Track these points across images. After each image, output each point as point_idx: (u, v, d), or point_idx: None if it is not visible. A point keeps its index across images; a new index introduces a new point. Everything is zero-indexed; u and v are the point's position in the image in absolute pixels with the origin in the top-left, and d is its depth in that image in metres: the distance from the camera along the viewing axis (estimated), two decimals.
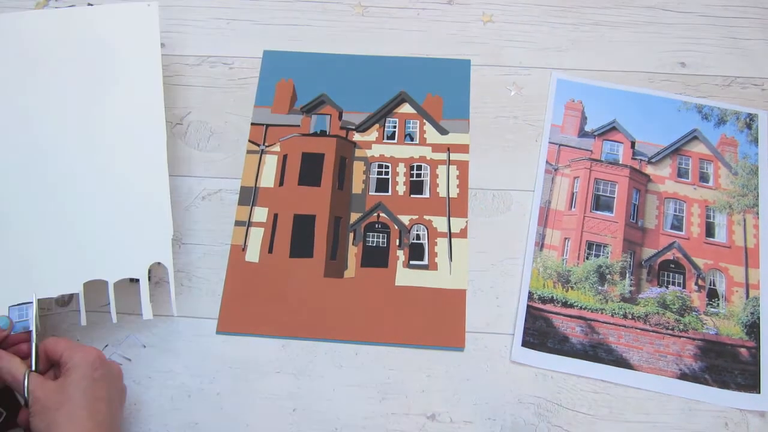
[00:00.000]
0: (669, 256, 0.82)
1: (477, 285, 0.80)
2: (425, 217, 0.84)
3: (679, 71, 0.93)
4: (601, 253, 0.82)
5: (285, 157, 0.88)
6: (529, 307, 0.79)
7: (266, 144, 0.88)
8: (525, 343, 0.77)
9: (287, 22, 0.97)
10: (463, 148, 0.88)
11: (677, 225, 0.84)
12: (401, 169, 0.87)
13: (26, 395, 0.64)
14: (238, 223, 0.84)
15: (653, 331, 0.78)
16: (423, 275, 0.81)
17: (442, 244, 0.82)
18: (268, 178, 0.86)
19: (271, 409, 0.74)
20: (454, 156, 0.88)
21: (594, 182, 0.86)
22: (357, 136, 0.89)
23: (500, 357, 0.76)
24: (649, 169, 0.87)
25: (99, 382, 0.65)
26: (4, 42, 0.82)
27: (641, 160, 0.87)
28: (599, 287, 0.80)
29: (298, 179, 0.86)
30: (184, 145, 0.88)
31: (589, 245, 0.82)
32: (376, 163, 0.87)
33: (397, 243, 0.83)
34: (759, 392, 0.75)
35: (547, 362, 0.76)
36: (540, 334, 0.77)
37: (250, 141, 0.89)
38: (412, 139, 0.89)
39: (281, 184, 0.86)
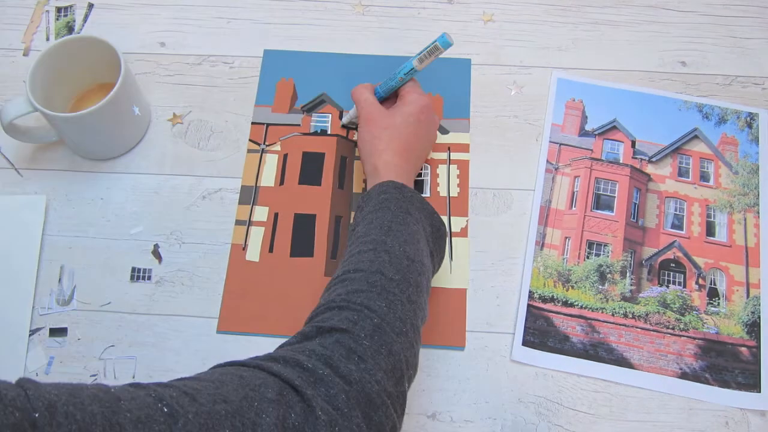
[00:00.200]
0: (669, 255, 0.82)
1: (477, 284, 0.80)
2: None
3: (679, 70, 0.93)
4: (602, 253, 0.82)
5: (285, 156, 0.88)
6: (529, 306, 0.79)
7: (267, 143, 0.88)
8: (525, 343, 0.77)
9: (288, 21, 0.97)
10: (464, 148, 0.88)
11: (678, 224, 0.84)
12: None
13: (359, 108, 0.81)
14: (238, 223, 0.84)
15: (654, 331, 0.78)
16: None
17: None
18: (268, 178, 0.86)
19: None
20: (454, 155, 0.87)
21: (594, 181, 0.86)
22: (357, 136, 0.89)
23: (501, 356, 0.76)
24: (649, 168, 0.87)
25: (423, 123, 0.79)
26: None
27: (642, 159, 0.87)
28: (600, 286, 0.80)
29: (299, 178, 0.86)
30: (185, 144, 0.88)
31: (590, 244, 0.82)
32: None
33: None
34: (760, 391, 0.75)
35: (548, 361, 0.76)
36: (540, 333, 0.77)
37: (250, 140, 0.89)
38: None
39: (282, 183, 0.86)
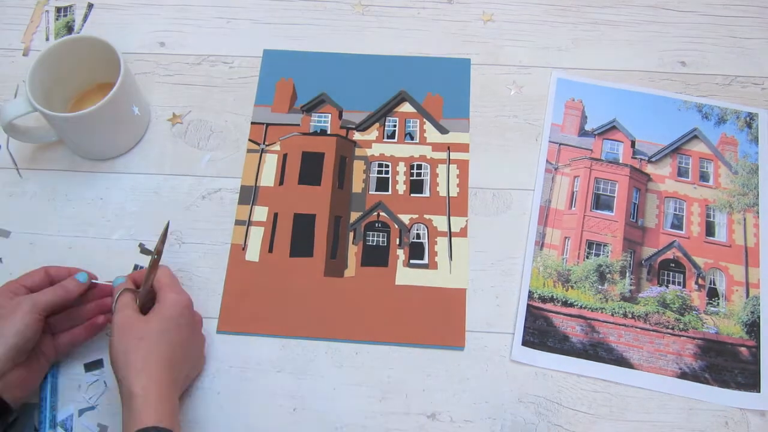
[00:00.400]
0: (669, 255, 0.82)
1: (477, 284, 0.80)
2: (425, 216, 0.84)
3: (679, 70, 0.93)
4: (601, 252, 0.82)
5: (285, 156, 0.88)
6: (529, 306, 0.79)
7: (266, 143, 0.88)
8: (525, 342, 0.77)
9: (287, 21, 0.97)
10: (464, 147, 0.88)
11: (677, 224, 0.84)
12: (401, 168, 0.87)
13: (113, 309, 0.68)
14: (238, 223, 0.84)
15: (653, 330, 0.78)
16: (423, 274, 0.81)
17: (442, 243, 0.82)
18: (268, 178, 0.86)
19: (271, 408, 0.74)
20: (454, 155, 0.88)
21: (594, 181, 0.86)
22: (357, 135, 0.89)
23: (500, 356, 0.76)
24: (649, 168, 0.87)
25: (183, 328, 0.68)
26: None
27: (641, 159, 0.87)
28: (599, 286, 0.80)
29: (299, 178, 0.86)
30: (185, 144, 0.88)
31: (589, 244, 0.82)
32: (376, 162, 0.87)
33: (397, 242, 0.83)
34: (759, 391, 0.75)
35: (547, 361, 0.76)
36: (540, 333, 0.77)
37: (250, 140, 0.89)
38: (412, 138, 0.89)
39: (281, 183, 0.86)
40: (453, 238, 0.83)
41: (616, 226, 0.83)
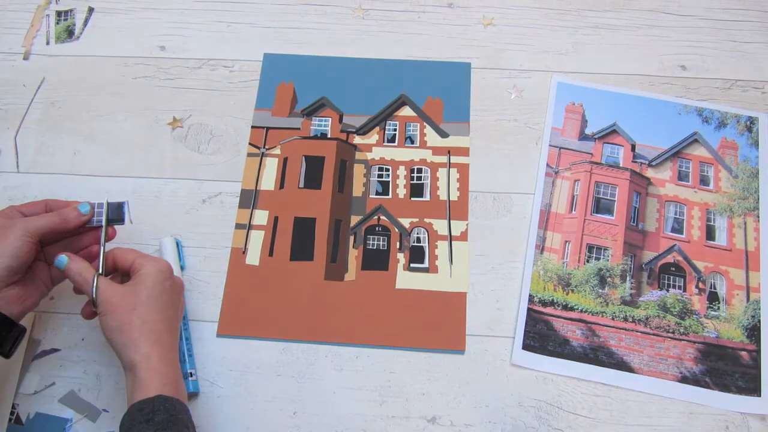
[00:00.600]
0: (669, 259, 0.82)
1: (477, 288, 0.80)
2: (426, 220, 0.84)
3: (679, 74, 0.93)
4: (602, 256, 0.82)
5: (285, 160, 0.88)
6: (529, 310, 0.79)
7: (267, 147, 0.88)
8: (525, 346, 0.77)
9: (288, 25, 0.97)
10: (464, 151, 0.88)
11: (678, 228, 0.84)
12: (402, 172, 0.87)
13: (94, 296, 0.67)
14: (238, 226, 0.84)
15: (654, 334, 0.78)
16: (423, 278, 0.81)
17: (442, 247, 0.82)
18: (268, 181, 0.86)
19: (272, 412, 0.74)
20: (454, 159, 0.88)
21: (594, 185, 0.86)
22: (357, 139, 0.89)
23: (501, 360, 0.76)
24: (649, 172, 0.87)
25: (168, 290, 0.69)
26: None
27: (642, 163, 0.87)
28: (600, 290, 0.80)
29: (299, 182, 0.86)
30: (185, 148, 0.88)
31: (590, 248, 0.82)
32: (377, 166, 0.87)
33: (398, 246, 0.83)
34: (760, 395, 0.75)
35: (548, 365, 0.76)
36: (540, 337, 0.77)
37: (250, 144, 0.89)
38: (412, 142, 0.89)
39: (282, 187, 0.86)
40: (453, 242, 0.83)
41: (617, 230, 0.83)
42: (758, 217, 0.84)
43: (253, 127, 0.90)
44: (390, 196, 0.86)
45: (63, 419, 0.73)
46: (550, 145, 0.88)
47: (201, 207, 0.85)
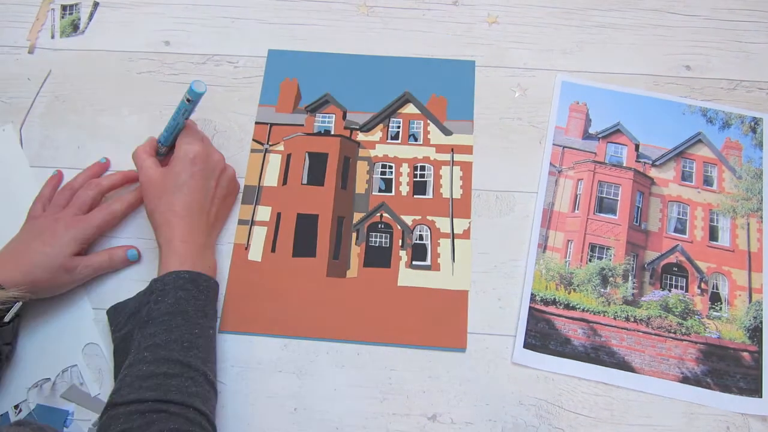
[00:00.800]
0: (672, 259, 0.82)
1: (479, 286, 0.80)
2: (428, 217, 0.84)
3: (684, 74, 0.93)
4: (604, 256, 0.82)
5: (289, 156, 0.88)
6: (531, 308, 0.78)
7: (270, 143, 0.89)
8: (527, 345, 0.77)
9: (292, 21, 0.97)
10: (467, 149, 0.88)
11: (680, 228, 0.84)
12: (405, 169, 0.87)
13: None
14: (241, 222, 0.84)
15: (655, 335, 0.78)
16: (425, 276, 0.81)
17: (444, 244, 0.82)
18: (271, 177, 0.86)
19: (273, 408, 0.74)
20: (457, 157, 0.87)
21: (597, 184, 0.86)
22: (361, 136, 0.89)
23: (502, 358, 0.76)
24: (653, 172, 0.87)
25: (198, 175, 0.75)
26: None
27: (645, 162, 0.87)
28: (602, 290, 0.80)
29: (302, 178, 0.86)
30: None
31: (592, 247, 0.82)
32: (380, 163, 0.87)
33: (400, 243, 0.83)
34: (761, 396, 0.75)
35: (549, 364, 0.76)
36: (542, 336, 0.77)
37: (254, 140, 0.89)
38: (415, 139, 0.89)
39: (285, 183, 0.86)
40: (456, 240, 0.83)
41: (619, 230, 0.83)
42: (761, 218, 0.84)
43: (256, 123, 0.90)
44: (393, 193, 0.86)
45: (63, 411, 0.73)
46: (553, 144, 0.88)
47: None
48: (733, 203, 0.85)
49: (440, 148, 0.88)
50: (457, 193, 0.85)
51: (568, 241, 0.83)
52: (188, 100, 0.75)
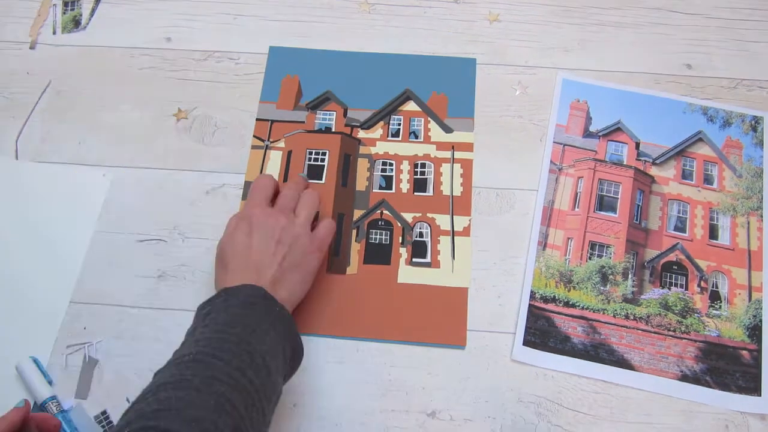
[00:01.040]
0: (672, 257, 0.82)
1: (479, 283, 0.80)
2: (428, 214, 0.84)
3: (685, 73, 0.93)
4: (604, 254, 0.82)
5: (289, 153, 0.88)
6: (530, 306, 0.79)
7: (271, 140, 0.89)
8: (526, 342, 0.77)
9: (293, 18, 0.97)
10: (468, 147, 0.88)
11: (681, 226, 0.84)
12: (405, 166, 0.87)
13: None
14: None
15: (655, 332, 0.78)
16: (425, 273, 0.81)
17: (444, 242, 0.82)
18: (272, 174, 0.86)
19: None
20: (458, 154, 0.88)
21: (598, 182, 0.86)
22: (361, 133, 0.89)
23: (501, 356, 0.76)
24: (653, 170, 0.87)
25: (235, 233, 0.73)
26: None
27: (645, 161, 0.87)
28: (601, 287, 0.80)
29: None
30: (189, 139, 0.88)
31: (592, 245, 0.82)
32: (380, 161, 0.87)
33: (400, 240, 0.83)
34: (760, 395, 0.75)
35: (548, 361, 0.76)
36: (541, 333, 0.77)
37: (254, 136, 0.89)
38: (416, 136, 0.89)
39: (285, 180, 0.86)
40: (456, 237, 0.83)
41: (620, 228, 0.83)
42: (762, 216, 0.84)
43: (257, 119, 0.90)
44: (393, 190, 0.86)
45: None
46: (554, 142, 0.88)
47: (204, 198, 0.85)
48: (733, 202, 0.85)
49: (441, 146, 0.88)
50: (458, 191, 0.85)
51: (568, 238, 0.83)
52: None
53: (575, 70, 0.93)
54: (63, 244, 0.82)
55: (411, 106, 0.91)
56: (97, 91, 0.92)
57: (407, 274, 0.81)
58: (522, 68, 0.93)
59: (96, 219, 0.83)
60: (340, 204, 0.85)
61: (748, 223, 0.84)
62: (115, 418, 0.72)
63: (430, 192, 0.86)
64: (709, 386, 0.75)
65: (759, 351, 0.77)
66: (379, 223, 0.84)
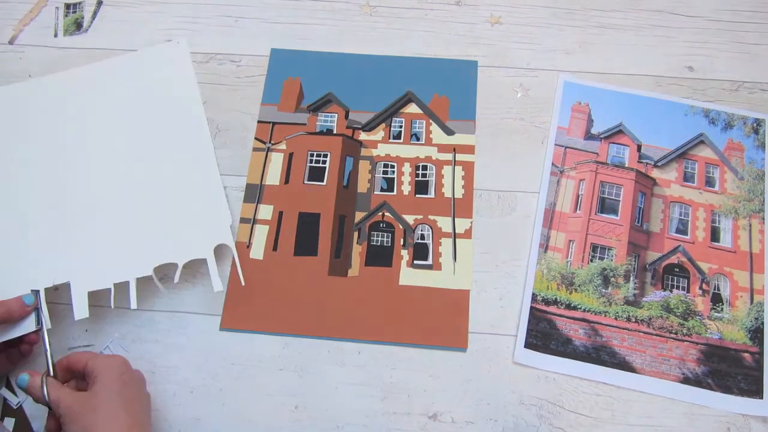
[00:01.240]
0: (673, 259, 0.82)
1: (481, 286, 0.80)
2: (430, 217, 0.84)
3: (686, 75, 0.93)
4: (606, 256, 0.82)
5: (291, 155, 0.88)
6: (532, 308, 0.79)
7: (272, 142, 0.89)
8: (528, 345, 0.77)
9: (295, 20, 0.97)
10: (469, 149, 0.88)
11: (682, 229, 0.84)
12: (407, 168, 0.87)
13: (47, 399, 0.65)
14: (243, 220, 0.84)
15: (656, 335, 0.78)
16: (427, 275, 0.81)
17: (446, 244, 0.82)
18: (273, 176, 0.86)
19: (274, 406, 0.74)
20: (459, 156, 0.88)
21: (599, 185, 0.86)
22: (363, 136, 0.89)
23: (503, 358, 0.76)
24: (655, 173, 0.87)
25: (128, 385, 0.67)
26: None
27: (647, 163, 0.87)
28: (603, 290, 0.80)
29: (304, 177, 0.86)
30: None
31: (594, 248, 0.82)
32: (382, 163, 0.88)
33: (402, 242, 0.83)
34: (762, 397, 0.75)
35: (550, 364, 0.76)
36: (543, 335, 0.77)
37: (256, 138, 0.89)
38: (418, 139, 0.89)
39: (287, 181, 0.86)
40: (457, 240, 0.83)
41: (621, 230, 0.83)
42: (763, 219, 0.84)
43: (259, 121, 0.90)
44: (395, 192, 0.86)
45: None
46: (555, 144, 0.88)
47: None
48: (735, 204, 0.85)
49: (442, 148, 0.88)
50: (459, 193, 0.85)
51: (570, 241, 0.83)
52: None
53: (577, 73, 0.93)
54: None
55: (412, 108, 0.91)
56: None
57: (409, 276, 0.81)
58: (523, 70, 0.93)
59: None
60: (342, 206, 0.85)
61: (750, 225, 0.84)
62: None
63: (431, 194, 0.86)
64: (711, 389, 0.75)
65: (761, 353, 0.77)
66: (381, 225, 0.84)
